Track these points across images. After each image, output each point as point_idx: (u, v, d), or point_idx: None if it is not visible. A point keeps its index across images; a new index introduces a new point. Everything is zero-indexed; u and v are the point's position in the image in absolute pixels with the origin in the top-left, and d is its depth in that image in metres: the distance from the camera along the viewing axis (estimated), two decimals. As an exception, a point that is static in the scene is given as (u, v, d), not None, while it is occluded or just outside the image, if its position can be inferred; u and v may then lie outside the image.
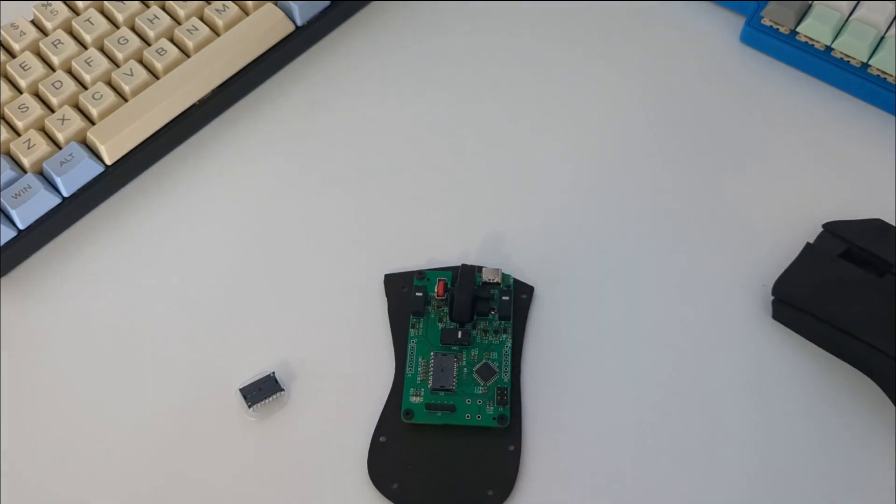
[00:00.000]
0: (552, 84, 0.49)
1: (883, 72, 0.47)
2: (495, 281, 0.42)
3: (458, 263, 0.44)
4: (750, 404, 0.40)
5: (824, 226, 0.43)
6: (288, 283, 0.44)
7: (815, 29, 0.48)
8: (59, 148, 0.45)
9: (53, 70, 0.47)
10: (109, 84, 0.47)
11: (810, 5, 0.49)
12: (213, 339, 0.42)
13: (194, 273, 0.44)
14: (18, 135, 0.45)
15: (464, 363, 0.40)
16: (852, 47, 0.47)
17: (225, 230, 0.45)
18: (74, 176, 0.44)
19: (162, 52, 0.47)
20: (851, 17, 0.48)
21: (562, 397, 0.41)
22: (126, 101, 0.46)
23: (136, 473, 0.39)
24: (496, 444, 0.39)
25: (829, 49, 0.48)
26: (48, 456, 0.40)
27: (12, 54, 0.48)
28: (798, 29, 0.48)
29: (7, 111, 0.46)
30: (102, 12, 0.49)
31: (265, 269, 0.44)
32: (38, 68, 0.47)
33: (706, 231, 0.45)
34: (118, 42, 0.47)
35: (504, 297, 0.41)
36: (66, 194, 0.44)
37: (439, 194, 0.46)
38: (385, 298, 0.43)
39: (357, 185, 0.46)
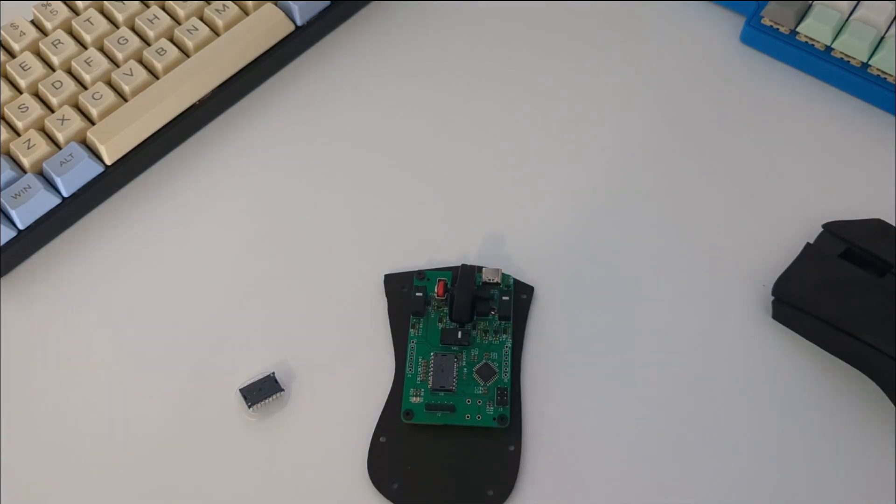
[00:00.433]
0: (552, 84, 0.49)
1: (883, 72, 0.47)
2: (495, 281, 0.42)
3: (458, 263, 0.44)
4: (750, 404, 0.40)
5: (824, 226, 0.43)
6: (288, 283, 0.44)
7: (815, 29, 0.48)
8: (59, 148, 0.45)
9: (53, 70, 0.47)
10: (109, 84, 0.47)
11: (810, 5, 0.49)
12: (213, 340, 0.42)
13: (194, 273, 0.44)
14: (18, 135, 0.45)
15: (464, 363, 0.40)
16: (852, 47, 0.47)
17: (225, 230, 0.45)
18: (74, 176, 0.44)
19: (162, 52, 0.47)
20: (851, 17, 0.48)
21: (562, 397, 0.41)
22: (126, 101, 0.46)
23: (135, 473, 0.39)
24: (496, 444, 0.39)
25: (829, 49, 0.48)
26: (48, 456, 0.40)
27: (12, 54, 0.48)
28: (798, 29, 0.48)
29: (7, 111, 0.46)
30: (102, 12, 0.49)
31: (265, 268, 0.44)
32: (38, 68, 0.47)
33: (706, 231, 0.45)
34: (118, 42, 0.47)
35: (504, 297, 0.41)
36: (66, 194, 0.44)
37: (439, 194, 0.46)
38: (385, 298, 0.43)
39: (357, 185, 0.46)
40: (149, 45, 0.48)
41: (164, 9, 0.49)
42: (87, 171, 0.44)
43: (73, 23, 0.48)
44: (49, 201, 0.44)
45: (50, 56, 0.47)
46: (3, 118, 0.46)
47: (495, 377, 0.40)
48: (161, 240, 0.45)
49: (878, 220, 0.43)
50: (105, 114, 0.46)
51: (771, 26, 0.49)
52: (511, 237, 0.45)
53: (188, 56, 0.48)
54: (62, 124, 0.45)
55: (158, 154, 0.47)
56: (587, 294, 0.43)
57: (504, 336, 0.41)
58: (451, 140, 0.48)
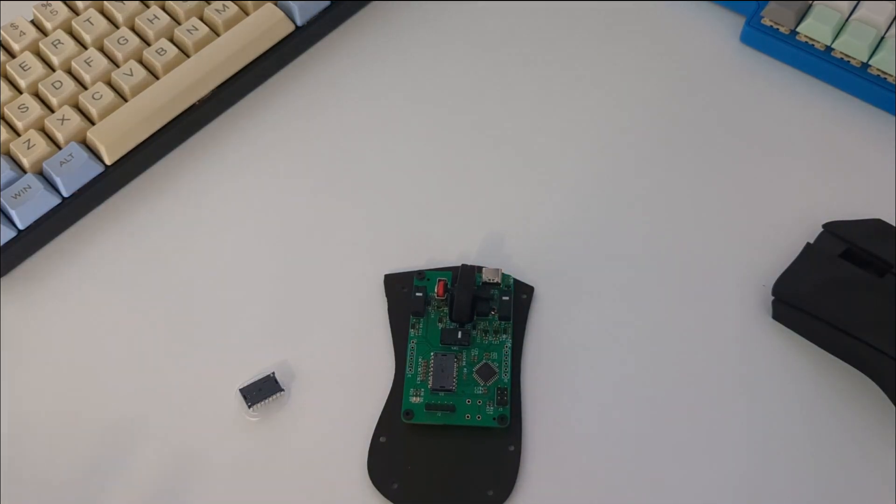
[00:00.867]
0: (552, 84, 0.49)
1: (883, 72, 0.47)
2: (495, 281, 0.42)
3: (458, 263, 0.44)
4: (750, 404, 0.40)
5: (824, 226, 0.43)
6: (288, 283, 0.44)
7: (815, 29, 0.48)
8: (59, 148, 0.45)
9: (53, 70, 0.47)
10: (109, 84, 0.47)
11: (810, 5, 0.49)
12: (214, 339, 0.42)
13: (194, 273, 0.44)
14: (18, 135, 0.45)
15: (464, 363, 0.40)
16: (852, 47, 0.47)
17: (225, 230, 0.45)
18: (74, 176, 0.44)
19: (162, 52, 0.47)
20: (851, 17, 0.48)
21: (562, 397, 0.41)
22: (126, 100, 0.46)
23: (135, 473, 0.39)
24: (496, 444, 0.39)
25: (829, 49, 0.48)
26: (48, 456, 0.40)
27: (12, 54, 0.48)
28: (798, 29, 0.48)
29: (7, 111, 0.46)
30: (102, 12, 0.49)
31: (265, 269, 0.44)
32: (38, 68, 0.47)
33: (706, 231, 0.45)
34: (118, 42, 0.47)
35: (504, 298, 0.41)
36: (66, 194, 0.44)
37: (439, 194, 0.46)
38: (385, 298, 0.43)
39: (357, 186, 0.46)
40: (149, 44, 0.48)
41: (163, 9, 0.49)
42: (87, 171, 0.44)
43: (73, 23, 0.48)
44: (49, 201, 0.44)
45: (50, 56, 0.47)
46: (3, 118, 0.46)
47: (495, 377, 0.40)
48: (161, 240, 0.45)
49: (878, 221, 0.43)
50: (105, 114, 0.46)
51: (771, 26, 0.49)
52: (511, 237, 0.45)
53: (188, 56, 0.48)
54: (62, 124, 0.45)
55: (158, 154, 0.47)
56: (587, 294, 0.43)
57: (504, 336, 0.41)
58: (450, 140, 0.48)
